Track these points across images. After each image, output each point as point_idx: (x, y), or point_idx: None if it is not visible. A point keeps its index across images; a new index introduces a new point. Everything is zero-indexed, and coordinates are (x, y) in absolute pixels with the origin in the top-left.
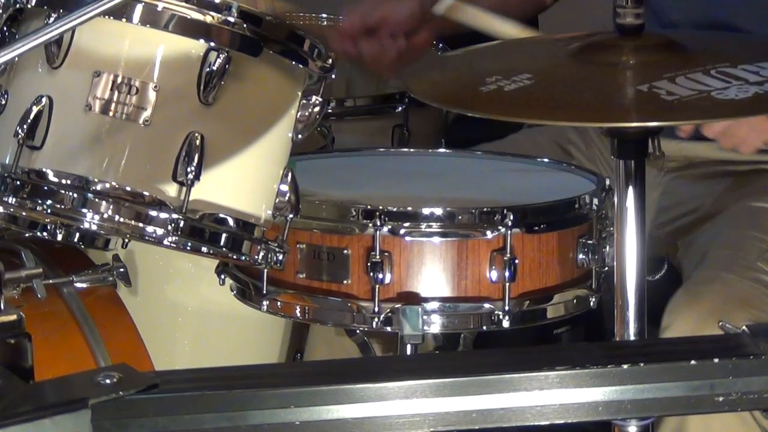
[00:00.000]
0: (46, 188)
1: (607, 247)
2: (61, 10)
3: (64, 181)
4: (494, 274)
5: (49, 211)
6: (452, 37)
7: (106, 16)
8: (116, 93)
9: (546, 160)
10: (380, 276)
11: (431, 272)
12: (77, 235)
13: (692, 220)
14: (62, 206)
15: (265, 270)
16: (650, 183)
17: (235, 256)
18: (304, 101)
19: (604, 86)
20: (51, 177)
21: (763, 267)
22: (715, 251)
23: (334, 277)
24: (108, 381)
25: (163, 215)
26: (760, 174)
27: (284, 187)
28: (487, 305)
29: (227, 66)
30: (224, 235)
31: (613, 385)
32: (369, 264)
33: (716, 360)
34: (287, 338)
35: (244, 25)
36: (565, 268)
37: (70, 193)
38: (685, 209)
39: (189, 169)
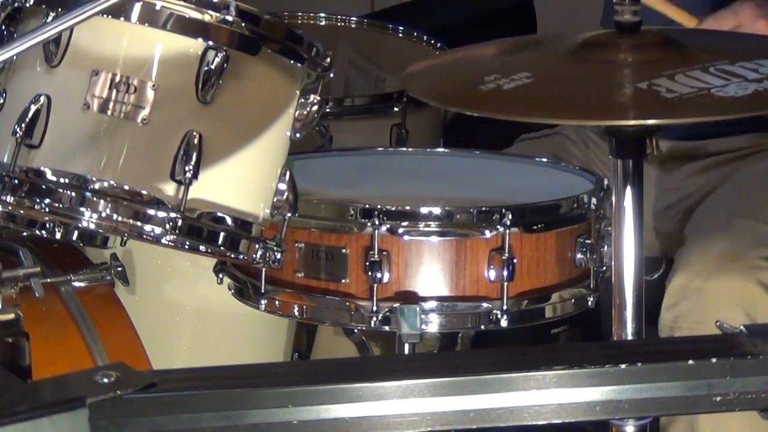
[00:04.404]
0: (44, 187)
1: (606, 246)
2: (60, 9)
3: (62, 180)
4: (492, 274)
5: (47, 209)
6: (450, 36)
7: (105, 15)
8: (114, 92)
9: (544, 159)
10: (378, 275)
11: (429, 271)
12: (75, 233)
13: (698, 198)
14: (60, 205)
15: (263, 269)
16: (650, 181)
17: (233, 255)
18: (303, 100)
19: (603, 84)
20: (49, 176)
21: None
22: (724, 204)
23: (332, 276)
24: (105, 380)
25: (161, 214)
26: (760, 153)
27: (282, 186)
28: (485, 304)
29: (225, 65)
30: (222, 234)
31: (610, 385)
32: (367, 263)
33: (714, 360)
34: (286, 337)
35: (243, 24)
36: (564, 268)
37: (69, 192)
38: (689, 191)
39: (187, 168)
